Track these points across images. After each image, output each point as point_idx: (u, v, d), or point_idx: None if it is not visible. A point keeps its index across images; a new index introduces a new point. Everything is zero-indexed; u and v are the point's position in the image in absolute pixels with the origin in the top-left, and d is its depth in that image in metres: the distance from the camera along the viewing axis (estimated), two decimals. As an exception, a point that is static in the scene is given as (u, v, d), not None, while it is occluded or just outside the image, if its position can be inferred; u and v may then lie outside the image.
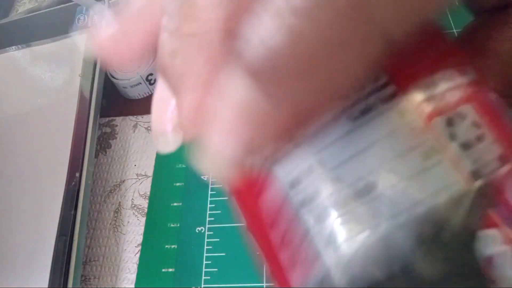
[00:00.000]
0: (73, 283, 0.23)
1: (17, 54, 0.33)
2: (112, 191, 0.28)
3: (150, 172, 0.28)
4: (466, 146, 0.08)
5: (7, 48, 0.34)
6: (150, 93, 0.32)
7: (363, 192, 0.08)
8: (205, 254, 0.24)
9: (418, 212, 0.08)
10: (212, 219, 0.25)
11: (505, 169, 0.08)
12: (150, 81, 0.32)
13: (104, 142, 0.31)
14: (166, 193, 0.27)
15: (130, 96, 0.32)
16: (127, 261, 0.25)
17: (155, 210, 0.27)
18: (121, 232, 0.27)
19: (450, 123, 0.08)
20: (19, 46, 0.34)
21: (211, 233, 0.25)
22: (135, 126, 0.31)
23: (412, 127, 0.08)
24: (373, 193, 0.08)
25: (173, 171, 0.28)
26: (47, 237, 0.24)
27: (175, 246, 0.25)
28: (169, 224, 0.26)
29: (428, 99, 0.08)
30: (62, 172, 0.26)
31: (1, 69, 0.33)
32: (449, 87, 0.08)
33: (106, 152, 0.30)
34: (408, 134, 0.08)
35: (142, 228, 0.26)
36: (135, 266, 0.25)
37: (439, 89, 0.08)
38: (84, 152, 0.27)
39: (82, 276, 0.25)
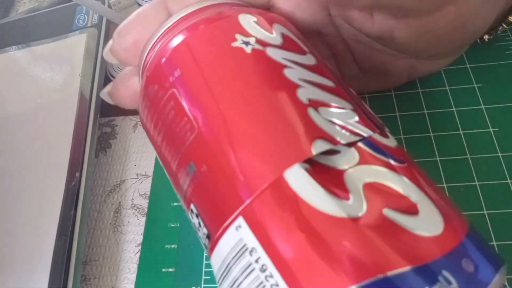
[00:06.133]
0: (73, 283, 0.23)
1: (17, 54, 0.33)
2: (112, 191, 0.28)
3: (150, 172, 0.28)
4: (198, 230, 0.13)
5: (7, 48, 0.34)
6: (150, 93, 0.32)
7: None
8: (205, 254, 0.24)
9: None
10: (212, 219, 0.25)
11: (210, 242, 0.12)
12: (150, 81, 0.32)
13: (104, 142, 0.31)
14: (166, 193, 0.27)
15: (130, 96, 0.32)
16: (127, 261, 0.25)
17: (155, 210, 0.27)
18: (121, 232, 0.26)
19: (191, 216, 0.13)
20: (19, 46, 0.34)
21: (211, 233, 0.25)
22: (135, 126, 0.31)
23: None
24: None
25: (173, 171, 0.28)
26: (47, 237, 0.24)
27: (175, 246, 0.25)
28: (169, 224, 0.26)
29: (183, 199, 0.14)
30: (62, 172, 0.26)
31: (1, 69, 0.33)
32: (183, 193, 0.14)
33: (106, 152, 0.30)
34: None
35: (142, 228, 0.26)
36: (135, 266, 0.25)
37: (182, 193, 0.14)
38: (84, 152, 0.27)
39: (82, 276, 0.25)
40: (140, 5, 0.30)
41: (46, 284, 0.22)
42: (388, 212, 0.10)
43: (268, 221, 0.11)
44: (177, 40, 0.15)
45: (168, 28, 0.16)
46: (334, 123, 0.12)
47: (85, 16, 0.34)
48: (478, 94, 0.25)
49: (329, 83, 0.14)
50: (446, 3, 0.15)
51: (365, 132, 0.12)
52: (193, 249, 0.25)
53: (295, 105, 0.12)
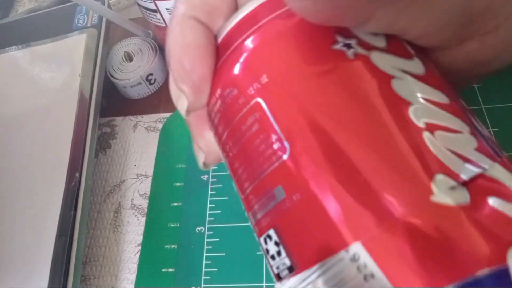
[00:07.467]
0: (73, 283, 0.23)
1: (17, 54, 0.33)
2: (112, 191, 0.28)
3: (150, 172, 0.28)
4: (273, 257, 0.12)
5: (7, 48, 0.34)
6: (150, 93, 0.32)
7: None
8: (205, 254, 0.24)
9: None
10: (212, 219, 0.25)
11: (291, 275, 0.11)
12: (150, 81, 0.32)
13: (104, 142, 0.31)
14: (166, 193, 0.27)
15: (130, 96, 0.32)
16: (127, 261, 0.25)
17: (155, 210, 0.27)
18: (121, 232, 0.26)
19: (265, 241, 0.12)
20: (19, 46, 0.34)
21: (211, 233, 0.25)
22: (135, 126, 0.31)
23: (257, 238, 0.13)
24: None
25: (173, 171, 0.28)
26: (47, 237, 0.24)
27: (175, 246, 0.25)
28: (169, 224, 0.26)
29: (257, 222, 0.13)
30: (62, 172, 0.26)
31: (1, 69, 0.33)
32: (261, 216, 0.12)
33: (106, 152, 0.30)
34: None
35: (142, 228, 0.26)
36: (135, 266, 0.25)
37: (258, 217, 0.12)
38: (84, 152, 0.27)
39: (82, 276, 0.25)
40: (140, 6, 0.30)
41: (46, 284, 0.22)
42: (493, 202, 0.10)
43: (391, 257, 0.10)
44: (261, 36, 0.12)
45: (243, 18, 0.13)
46: (454, 153, 0.11)
47: (85, 16, 0.34)
48: (478, 94, 0.25)
49: (442, 97, 0.12)
50: (464, 39, 0.13)
51: (487, 163, 0.11)
52: (193, 249, 0.25)
53: (410, 129, 0.11)
